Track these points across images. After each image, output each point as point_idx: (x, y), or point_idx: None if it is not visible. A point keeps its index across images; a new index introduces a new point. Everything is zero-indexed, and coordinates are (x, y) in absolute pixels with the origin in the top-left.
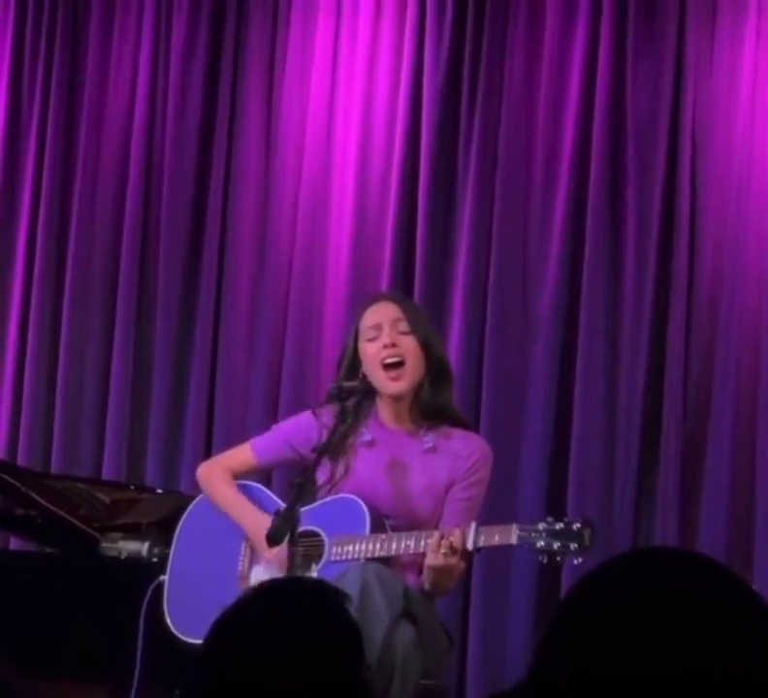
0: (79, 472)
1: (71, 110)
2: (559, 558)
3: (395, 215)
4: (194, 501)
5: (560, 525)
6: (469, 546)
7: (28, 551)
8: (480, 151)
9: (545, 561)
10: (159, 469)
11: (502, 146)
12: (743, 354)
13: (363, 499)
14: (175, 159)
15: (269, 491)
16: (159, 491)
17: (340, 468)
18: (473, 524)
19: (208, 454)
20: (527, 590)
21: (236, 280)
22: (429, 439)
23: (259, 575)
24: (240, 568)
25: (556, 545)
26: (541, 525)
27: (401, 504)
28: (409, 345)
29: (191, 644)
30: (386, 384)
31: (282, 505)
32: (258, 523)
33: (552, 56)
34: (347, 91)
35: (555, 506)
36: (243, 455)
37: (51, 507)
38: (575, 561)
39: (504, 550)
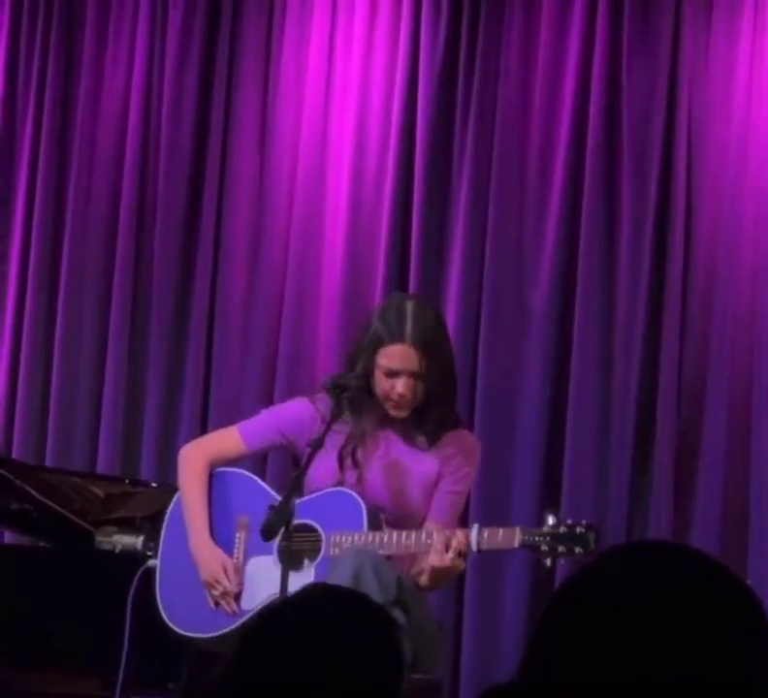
0: (73, 466)
1: (66, 103)
2: (563, 561)
3: (390, 208)
4: None
5: (563, 529)
6: (473, 548)
7: (22, 545)
8: (475, 145)
9: (549, 564)
10: (154, 463)
11: (498, 140)
12: (737, 348)
13: (357, 494)
14: (170, 152)
15: (260, 481)
16: (154, 484)
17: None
18: (476, 526)
19: None
20: (521, 584)
21: (231, 273)
22: (422, 438)
23: (256, 566)
24: (234, 558)
25: (560, 548)
26: (545, 529)
27: (396, 501)
28: (420, 391)
29: (186, 636)
30: (388, 406)
31: (274, 497)
32: (203, 547)
33: (547, 52)
34: (343, 85)
35: (549, 500)
36: (231, 442)
37: (46, 501)
38: None
39: None
